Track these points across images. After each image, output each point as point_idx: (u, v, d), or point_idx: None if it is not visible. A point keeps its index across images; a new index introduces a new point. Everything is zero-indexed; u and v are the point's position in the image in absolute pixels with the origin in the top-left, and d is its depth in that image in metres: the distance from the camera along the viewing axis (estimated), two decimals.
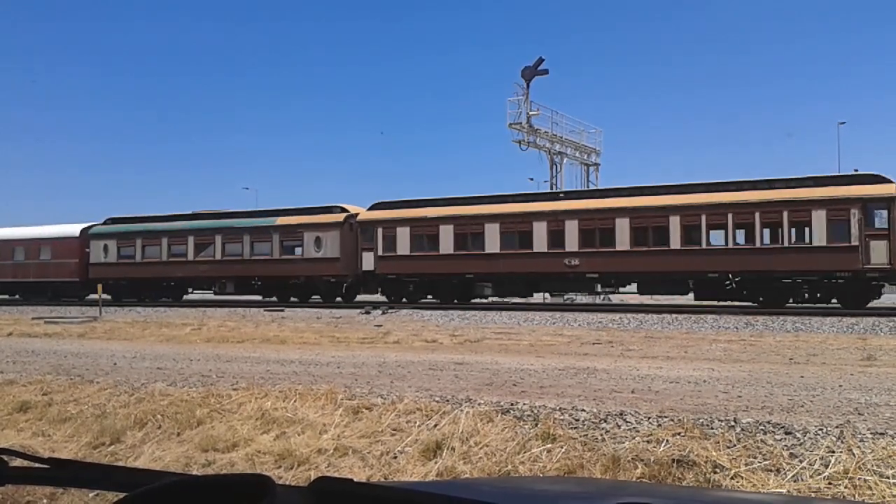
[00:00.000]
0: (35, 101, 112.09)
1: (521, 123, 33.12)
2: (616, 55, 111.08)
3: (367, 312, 22.54)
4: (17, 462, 1.32)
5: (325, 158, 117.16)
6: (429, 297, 26.53)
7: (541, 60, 33.43)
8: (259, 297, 29.78)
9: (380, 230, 26.56)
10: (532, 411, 5.65)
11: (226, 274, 29.75)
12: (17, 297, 35.01)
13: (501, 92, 69.51)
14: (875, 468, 4.14)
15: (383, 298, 27.08)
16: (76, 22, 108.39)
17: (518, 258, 24.11)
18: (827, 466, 4.24)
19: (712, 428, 4.96)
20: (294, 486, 1.20)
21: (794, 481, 4.17)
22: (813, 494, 3.98)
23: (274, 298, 28.73)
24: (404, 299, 26.17)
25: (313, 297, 28.51)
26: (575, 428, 5.25)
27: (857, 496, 3.95)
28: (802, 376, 7.97)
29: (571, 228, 23.29)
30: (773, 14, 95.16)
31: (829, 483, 4.11)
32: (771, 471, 4.31)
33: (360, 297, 29.37)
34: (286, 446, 5.61)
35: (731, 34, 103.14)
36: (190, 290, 33.66)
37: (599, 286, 25.36)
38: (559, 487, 1.83)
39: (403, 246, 26.19)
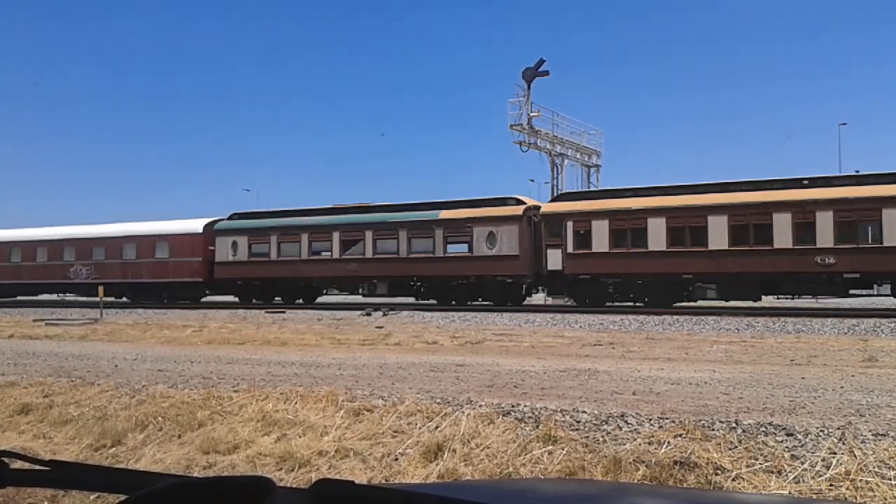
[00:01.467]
0: (35, 102, 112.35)
1: (521, 125, 33.19)
2: (616, 56, 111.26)
3: (368, 314, 22.55)
4: (18, 464, 1.32)
5: (326, 160, 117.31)
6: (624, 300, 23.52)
7: (541, 62, 33.51)
8: (412, 299, 26.72)
9: (569, 224, 23.28)
10: (533, 413, 5.65)
11: (377, 274, 26.52)
12: (123, 299, 31.39)
13: (502, 93, 69.69)
14: (877, 470, 4.14)
15: (572, 301, 24.37)
16: (76, 22, 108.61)
17: (752, 256, 20.95)
18: (828, 468, 4.23)
19: (713, 429, 4.96)
20: (295, 489, 1.20)
21: (796, 483, 4.17)
22: (814, 496, 3.98)
23: (433, 301, 25.76)
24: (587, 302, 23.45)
25: (476, 300, 25.25)
26: (576, 430, 5.25)
27: (858, 498, 3.95)
28: (803, 378, 7.96)
29: (825, 221, 20.09)
30: (774, 15, 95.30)
31: (831, 485, 4.10)
32: (772, 472, 4.31)
33: (533, 300, 26.42)
34: (287, 448, 5.60)
35: (731, 35, 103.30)
36: (325, 291, 30.43)
37: (853, 288, 21.88)
38: (560, 489, 1.83)
39: (601, 242, 22.84)
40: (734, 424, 5.03)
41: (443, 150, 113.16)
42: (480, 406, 5.92)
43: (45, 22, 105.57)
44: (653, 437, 4.92)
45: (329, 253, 27.58)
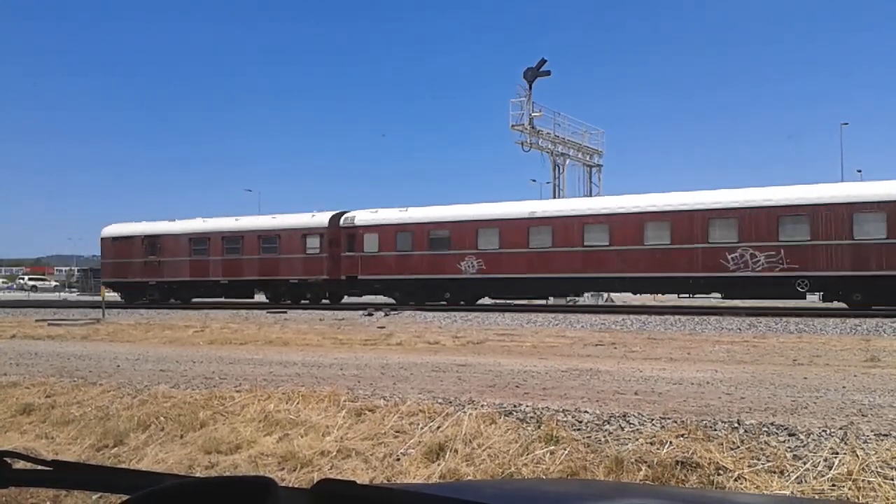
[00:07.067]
0: (35, 103, 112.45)
1: (523, 125, 33.09)
2: (618, 56, 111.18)
3: (370, 314, 22.54)
4: (21, 464, 1.32)
5: (327, 161, 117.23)
6: None
7: (543, 62, 33.42)
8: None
9: None
10: (535, 413, 5.65)
11: None
12: (839, 304, 20.38)
13: (504, 93, 69.68)
14: (879, 470, 4.13)
15: None
16: (77, 24, 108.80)
17: None
18: (830, 468, 4.23)
19: (715, 429, 4.95)
20: (297, 489, 1.20)
21: (798, 483, 4.16)
22: (816, 496, 3.97)
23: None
24: None
25: None
26: (578, 430, 5.24)
27: (860, 498, 3.94)
28: (805, 378, 7.95)
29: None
30: (776, 16, 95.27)
31: (833, 485, 4.10)
32: (774, 472, 4.30)
33: None
34: (289, 448, 5.61)
35: (733, 36, 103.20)
36: None
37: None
38: (562, 489, 1.83)
39: None
40: (736, 424, 5.02)
41: (444, 150, 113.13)
42: (482, 406, 5.91)
43: (46, 23, 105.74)
44: (655, 437, 4.91)
45: None
